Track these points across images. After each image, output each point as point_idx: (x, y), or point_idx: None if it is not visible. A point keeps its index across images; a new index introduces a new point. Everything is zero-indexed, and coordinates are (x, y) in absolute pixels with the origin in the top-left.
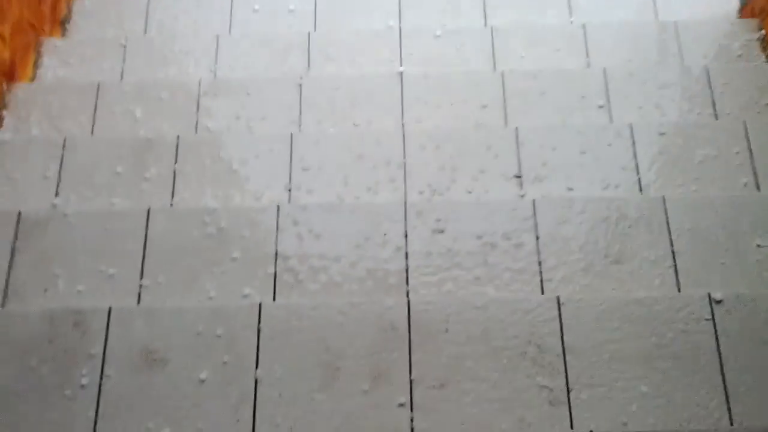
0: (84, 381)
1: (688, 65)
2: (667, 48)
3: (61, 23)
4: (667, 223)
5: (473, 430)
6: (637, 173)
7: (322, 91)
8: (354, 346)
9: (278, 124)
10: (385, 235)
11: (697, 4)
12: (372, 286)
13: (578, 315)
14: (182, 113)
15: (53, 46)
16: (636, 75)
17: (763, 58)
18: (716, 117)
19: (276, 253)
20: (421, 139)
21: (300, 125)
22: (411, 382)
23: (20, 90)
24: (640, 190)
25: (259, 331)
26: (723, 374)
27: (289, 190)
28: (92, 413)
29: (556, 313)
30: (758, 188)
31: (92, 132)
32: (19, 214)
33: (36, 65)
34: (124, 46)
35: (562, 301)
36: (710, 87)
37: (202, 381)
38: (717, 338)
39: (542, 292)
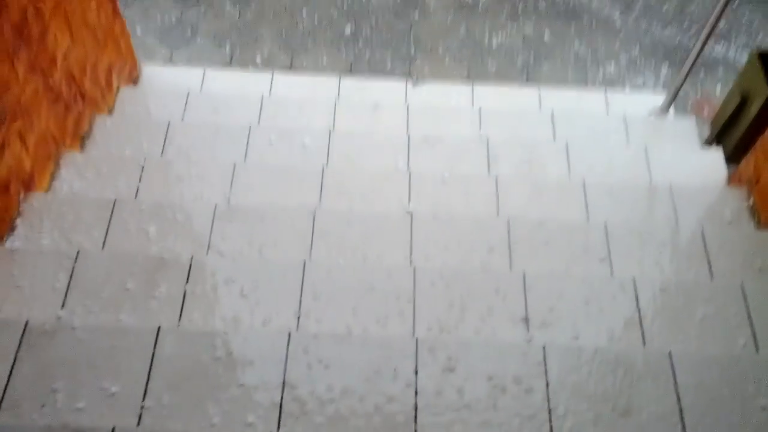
0: None
1: (683, 227)
2: (663, 209)
3: (81, 138)
4: (674, 378)
5: None
6: (641, 327)
7: (334, 223)
8: None
9: (290, 252)
10: (395, 369)
11: (689, 170)
12: (379, 423)
13: None
14: (195, 235)
15: (72, 160)
16: (635, 232)
17: (753, 224)
18: (712, 277)
19: (283, 382)
20: (432, 276)
21: (311, 254)
22: None
23: (35, 199)
24: (644, 343)
25: None
26: None
27: (298, 318)
28: None
29: None
30: (757, 349)
31: (104, 246)
32: (26, 323)
33: (53, 176)
34: (142, 166)
35: None
36: (706, 249)
37: None
38: None
39: None
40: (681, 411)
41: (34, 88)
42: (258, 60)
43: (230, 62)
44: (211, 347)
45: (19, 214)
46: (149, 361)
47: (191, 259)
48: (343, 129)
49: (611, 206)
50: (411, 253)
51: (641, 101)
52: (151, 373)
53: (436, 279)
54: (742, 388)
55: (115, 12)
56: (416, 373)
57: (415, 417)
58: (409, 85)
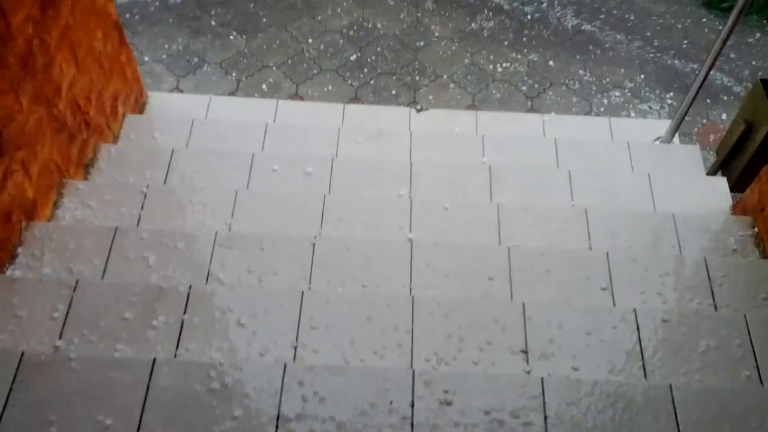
0: None
1: (687, 256)
2: (666, 237)
3: (85, 166)
4: (675, 412)
5: None
6: (642, 358)
7: (333, 251)
8: None
9: (289, 280)
10: (391, 403)
11: (693, 198)
12: None
13: None
14: (195, 263)
15: (75, 188)
16: (638, 261)
17: (757, 253)
18: (716, 308)
19: (278, 415)
20: (430, 307)
21: (310, 282)
22: None
23: (37, 228)
24: (645, 375)
25: None
26: None
27: (295, 348)
28: None
29: None
30: (761, 382)
31: (104, 275)
32: (22, 354)
33: (56, 205)
34: (144, 194)
35: None
36: (709, 278)
37: None
38: None
39: None
40: None
41: (38, 117)
42: (264, 87)
43: (237, 90)
44: (207, 378)
45: (20, 242)
46: (144, 393)
47: (189, 288)
48: (347, 156)
49: (614, 234)
50: (410, 281)
51: (645, 128)
52: (146, 406)
53: (435, 309)
54: (744, 423)
55: (122, 41)
56: (412, 406)
57: None
58: (413, 112)
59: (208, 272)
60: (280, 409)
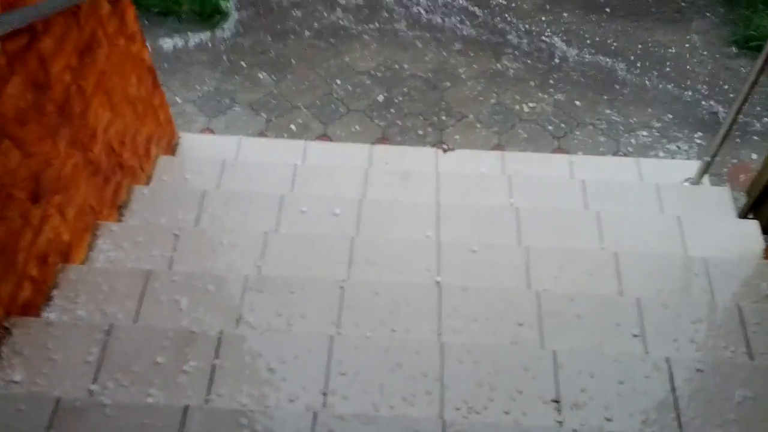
0: None
1: (720, 302)
2: (698, 282)
3: (118, 208)
4: None
5: None
6: (676, 409)
7: (362, 295)
8: None
9: (317, 324)
10: None
11: (724, 242)
12: None
13: None
14: (226, 306)
15: (108, 230)
16: (669, 307)
17: None
18: (751, 357)
19: None
20: (460, 353)
21: (338, 326)
22: None
23: (72, 271)
24: (680, 426)
25: None
26: None
27: (325, 395)
28: None
29: None
30: None
31: (137, 318)
32: (58, 400)
33: (90, 247)
34: (177, 235)
35: None
36: (743, 325)
37: None
38: None
39: None
40: None
41: (74, 162)
42: (293, 127)
43: (266, 129)
44: (237, 426)
45: (56, 285)
46: None
47: (220, 332)
48: (374, 198)
49: (644, 278)
50: (439, 326)
51: (674, 169)
52: None
53: (464, 356)
54: None
55: (155, 84)
56: None
57: None
58: (440, 153)
59: (239, 316)
60: None
